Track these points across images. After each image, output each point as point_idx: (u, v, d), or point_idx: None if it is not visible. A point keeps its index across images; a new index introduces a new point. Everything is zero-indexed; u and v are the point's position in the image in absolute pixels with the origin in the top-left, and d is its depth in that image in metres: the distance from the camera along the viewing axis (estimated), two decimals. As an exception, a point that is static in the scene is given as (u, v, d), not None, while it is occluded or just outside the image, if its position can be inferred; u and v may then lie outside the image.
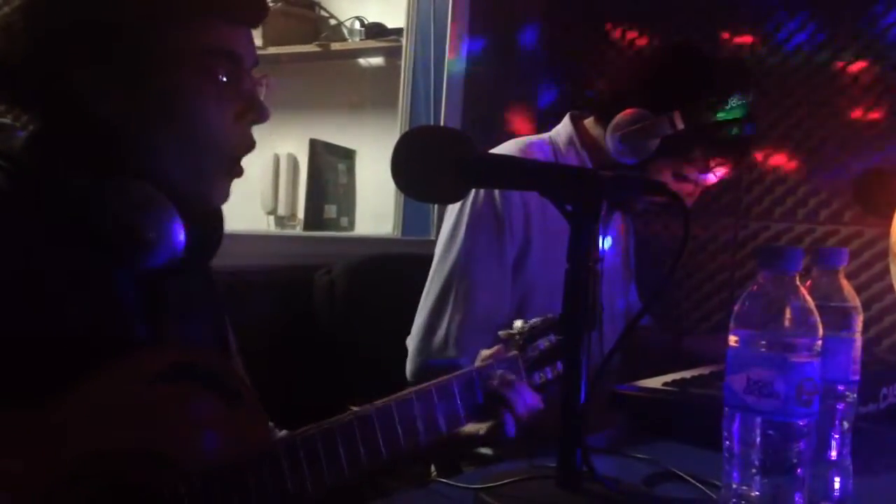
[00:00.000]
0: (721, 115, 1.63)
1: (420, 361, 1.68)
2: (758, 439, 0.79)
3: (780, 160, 2.30)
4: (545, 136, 1.83)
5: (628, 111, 1.64)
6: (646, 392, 1.35)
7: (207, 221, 1.03)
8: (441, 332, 1.65)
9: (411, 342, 1.70)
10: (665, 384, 1.38)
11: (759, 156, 2.30)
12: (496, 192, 1.64)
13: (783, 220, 2.29)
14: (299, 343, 1.97)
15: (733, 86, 1.65)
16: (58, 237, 0.93)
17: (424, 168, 1.02)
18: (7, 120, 2.07)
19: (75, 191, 0.93)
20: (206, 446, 0.93)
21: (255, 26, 1.04)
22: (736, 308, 0.84)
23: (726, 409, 0.83)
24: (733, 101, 1.63)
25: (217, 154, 1.01)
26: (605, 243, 1.78)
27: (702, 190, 1.76)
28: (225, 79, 0.99)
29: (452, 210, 1.73)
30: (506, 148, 1.77)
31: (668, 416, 1.30)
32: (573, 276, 0.97)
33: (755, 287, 0.84)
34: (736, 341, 0.83)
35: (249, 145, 1.04)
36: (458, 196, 1.05)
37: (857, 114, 2.18)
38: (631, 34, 2.54)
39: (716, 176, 1.71)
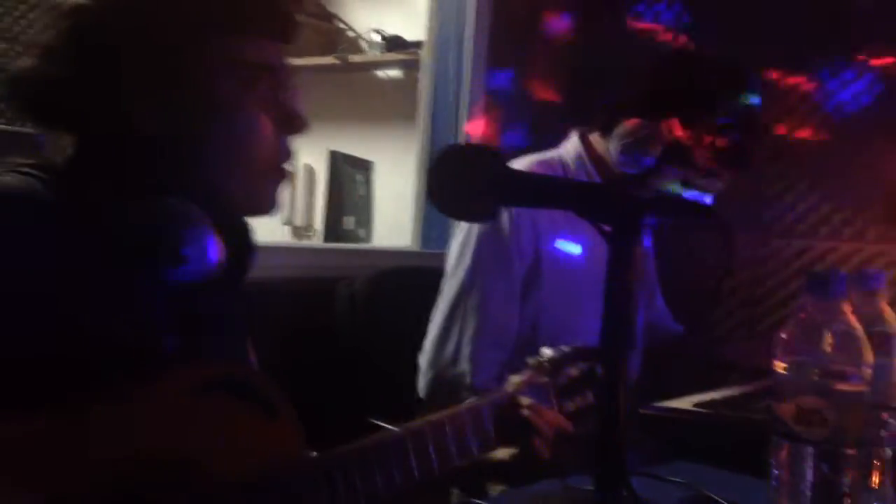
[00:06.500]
0: (720, 121, 1.61)
1: (431, 376, 1.69)
2: (808, 469, 0.78)
3: (801, 175, 2.29)
4: (553, 152, 1.83)
5: (628, 122, 1.64)
6: (677, 414, 1.33)
7: (241, 239, 1.04)
8: (451, 347, 1.67)
9: (422, 358, 1.71)
10: (696, 405, 1.36)
11: (780, 171, 2.29)
12: (503, 210, 1.64)
13: (805, 238, 2.28)
14: (317, 354, 1.96)
15: (732, 90, 1.64)
16: (94, 249, 0.93)
17: (459, 186, 1.01)
18: (29, 129, 2.08)
19: (114, 205, 0.94)
20: (243, 459, 0.92)
21: (291, 43, 1.06)
22: (782, 334, 0.83)
23: (774, 437, 0.82)
24: (732, 106, 1.62)
25: (262, 164, 1.02)
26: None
27: (712, 198, 1.74)
28: (266, 92, 1.00)
29: (462, 227, 1.73)
30: (514, 165, 1.76)
31: (700, 438, 1.28)
32: (611, 297, 0.95)
33: (801, 313, 0.83)
34: (783, 368, 0.81)
35: (290, 154, 1.06)
36: (493, 214, 1.04)
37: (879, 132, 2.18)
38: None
39: (722, 183, 1.69)
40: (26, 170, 0.95)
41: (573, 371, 1.27)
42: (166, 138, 0.97)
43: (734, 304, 2.36)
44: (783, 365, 0.81)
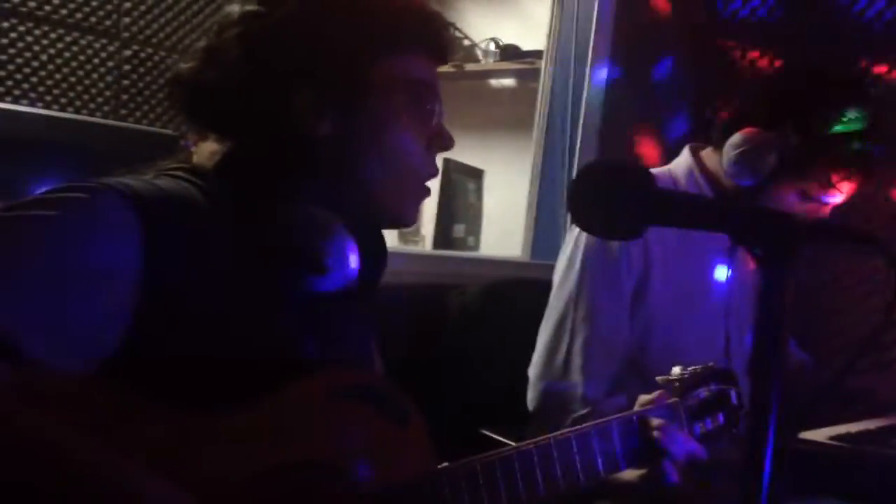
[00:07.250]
0: (838, 129, 1.56)
1: (541, 388, 1.68)
2: None
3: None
4: (665, 168, 1.80)
5: (741, 131, 1.61)
6: (816, 447, 1.27)
7: (375, 248, 1.06)
8: (560, 358, 1.65)
9: (532, 370, 1.71)
10: (832, 438, 1.30)
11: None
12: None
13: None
14: (427, 362, 1.96)
15: (848, 98, 1.59)
16: (242, 255, 0.95)
17: (606, 203, 0.99)
18: (172, 132, 2.15)
19: (265, 212, 0.96)
20: (377, 465, 0.94)
21: (446, 62, 1.10)
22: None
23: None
24: (850, 114, 1.56)
25: (414, 178, 1.05)
26: (724, 274, 1.71)
27: (831, 210, 1.67)
28: (422, 109, 1.03)
29: (570, 239, 1.72)
30: None
31: (840, 474, 1.23)
32: (762, 325, 0.92)
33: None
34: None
35: (436, 172, 1.08)
36: (639, 232, 1.02)
37: None
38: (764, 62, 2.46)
39: (842, 193, 1.62)
40: (177, 173, 0.98)
41: (704, 393, 1.24)
42: (327, 148, 0.99)
43: (865, 329, 2.26)
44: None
